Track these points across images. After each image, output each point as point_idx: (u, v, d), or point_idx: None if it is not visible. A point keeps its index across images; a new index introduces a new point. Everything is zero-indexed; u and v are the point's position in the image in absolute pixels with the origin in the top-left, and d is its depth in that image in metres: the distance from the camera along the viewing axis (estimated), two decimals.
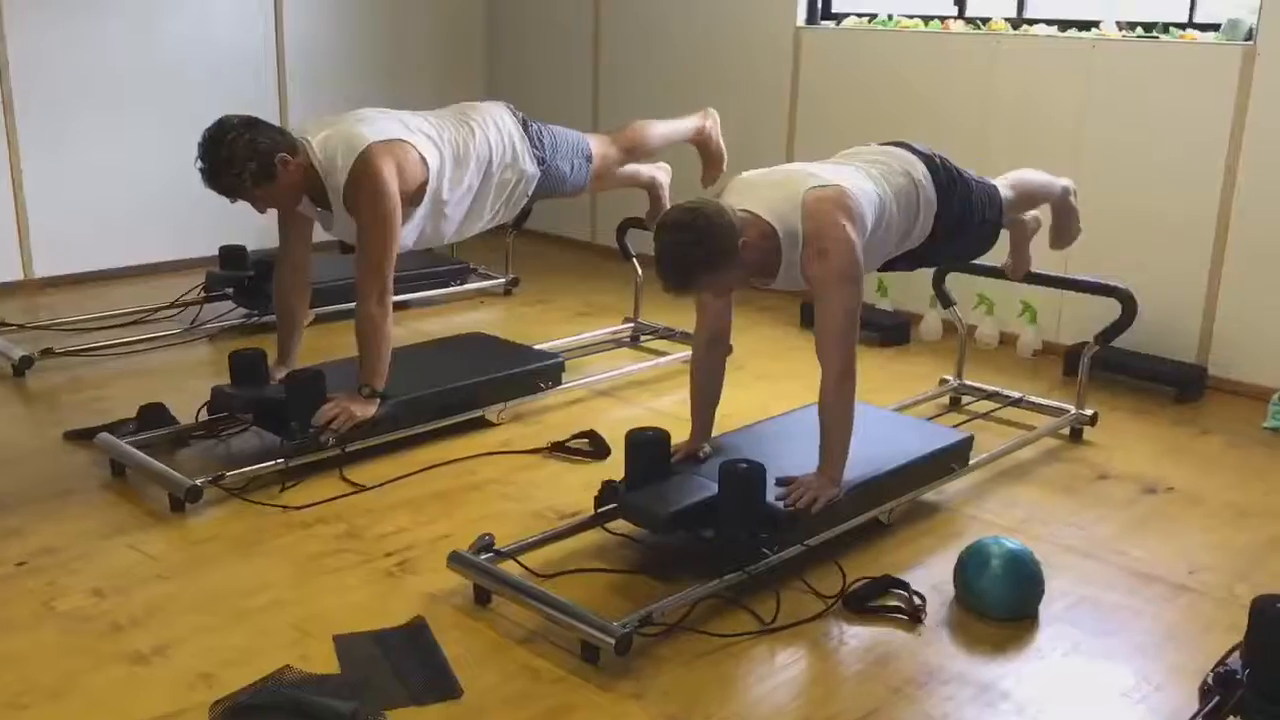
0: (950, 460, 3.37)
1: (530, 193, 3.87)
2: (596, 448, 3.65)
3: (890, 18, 5.26)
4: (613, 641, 2.42)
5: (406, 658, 2.47)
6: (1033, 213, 3.73)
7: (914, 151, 3.23)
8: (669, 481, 2.93)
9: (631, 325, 4.87)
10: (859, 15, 5.38)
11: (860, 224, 2.88)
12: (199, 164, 3.29)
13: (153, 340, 4.64)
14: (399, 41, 6.52)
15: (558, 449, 3.65)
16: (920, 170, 3.17)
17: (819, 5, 5.50)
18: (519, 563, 2.81)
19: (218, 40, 5.82)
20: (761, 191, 2.91)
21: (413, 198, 3.54)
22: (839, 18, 5.45)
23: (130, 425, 3.61)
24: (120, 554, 2.93)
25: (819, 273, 2.82)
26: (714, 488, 2.80)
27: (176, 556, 2.92)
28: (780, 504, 2.82)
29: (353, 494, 3.29)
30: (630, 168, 4.24)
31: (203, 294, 5.02)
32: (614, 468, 3.50)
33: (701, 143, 4.18)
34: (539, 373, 4.03)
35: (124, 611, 2.65)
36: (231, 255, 5.02)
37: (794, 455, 3.05)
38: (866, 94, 5.24)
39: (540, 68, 6.68)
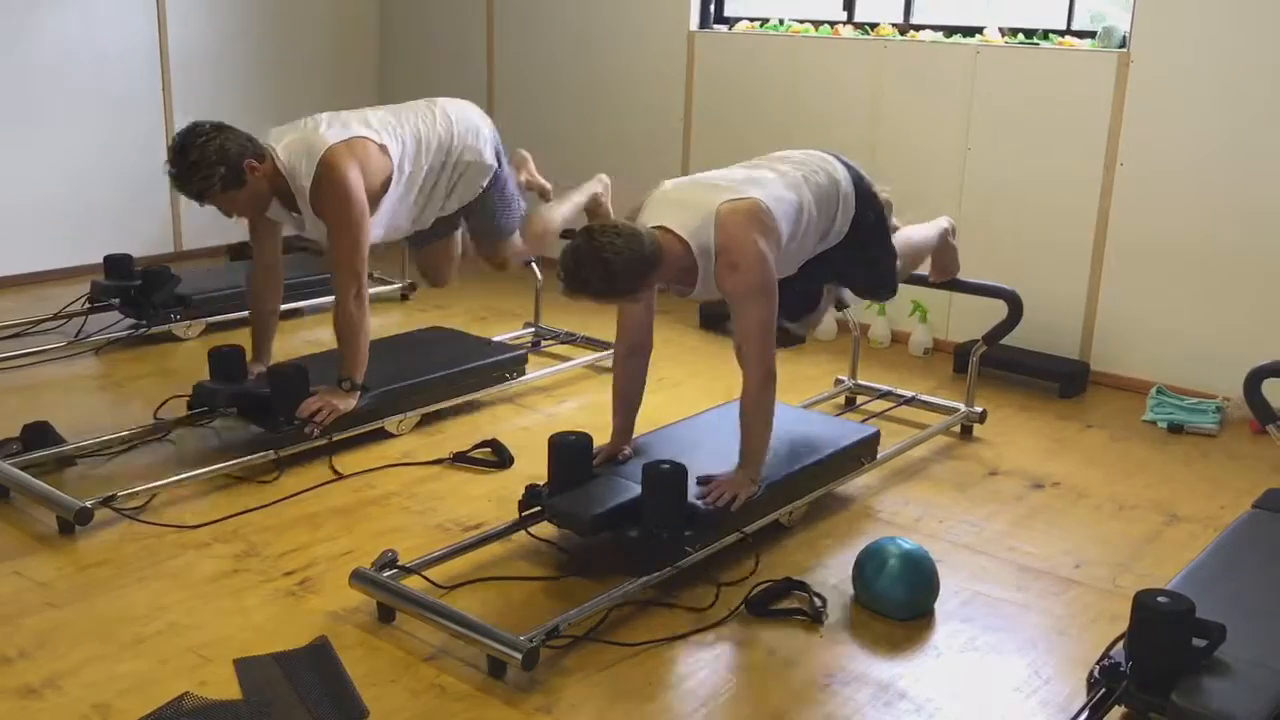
0: (860, 455, 3.48)
1: (484, 186, 3.92)
2: (499, 457, 3.64)
3: (782, 22, 5.34)
4: (519, 656, 2.42)
5: (310, 680, 2.44)
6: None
7: (836, 157, 3.33)
8: (592, 484, 2.99)
9: (532, 330, 4.86)
10: (751, 20, 5.45)
11: (773, 236, 2.95)
12: (168, 169, 3.35)
13: (36, 354, 4.48)
14: (289, 41, 6.39)
15: (460, 459, 3.63)
16: (842, 173, 3.27)
17: (712, 10, 5.56)
18: (424, 577, 2.80)
19: (99, 40, 5.64)
20: (678, 207, 2.95)
21: (380, 190, 3.63)
22: (731, 22, 5.51)
23: (14, 445, 3.48)
24: (6, 582, 2.83)
25: (732, 286, 2.89)
26: (637, 489, 2.87)
27: (67, 583, 2.84)
28: (701, 503, 2.88)
29: (250, 511, 3.24)
30: (569, 203, 4.28)
31: (88, 305, 4.86)
32: (517, 477, 3.50)
33: (591, 209, 4.32)
34: (503, 364, 4.20)
35: (11, 643, 2.57)
36: (117, 264, 4.87)
37: (712, 454, 3.13)
38: (759, 96, 5.31)
39: (435, 69, 6.61)
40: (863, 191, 3.31)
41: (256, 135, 3.49)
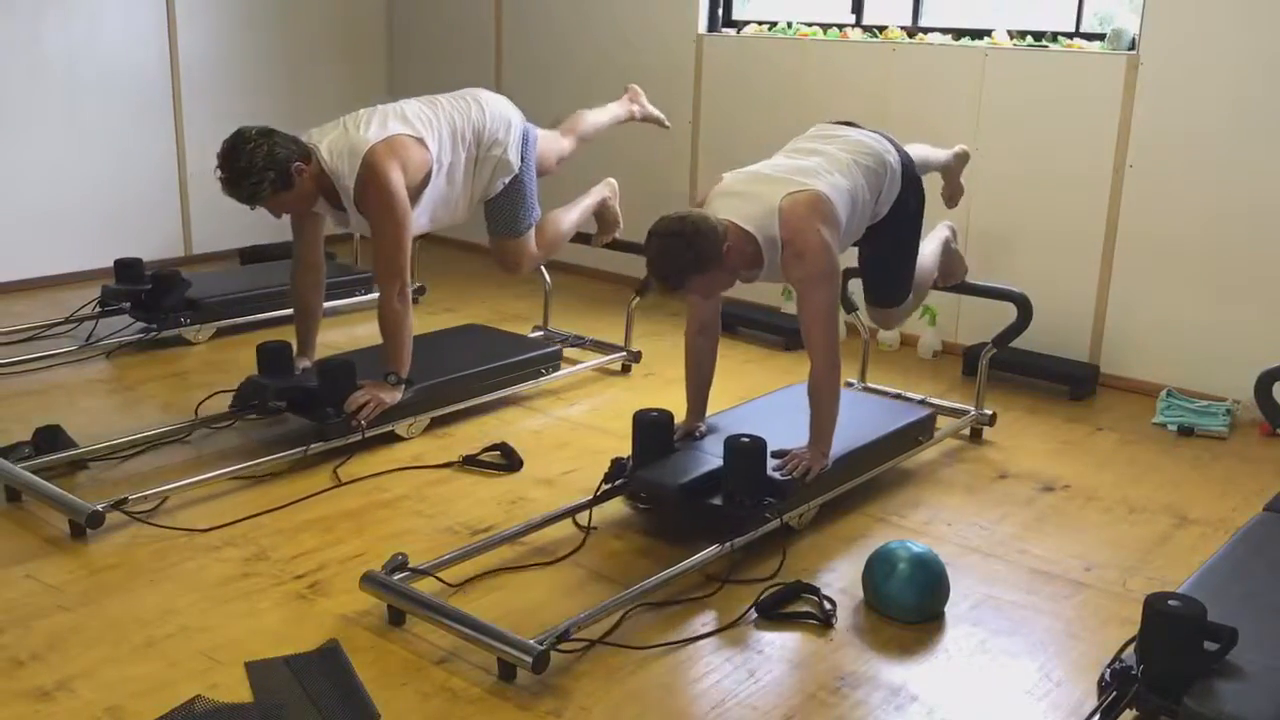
0: (917, 433, 3.67)
1: (504, 183, 3.96)
2: (509, 460, 3.64)
3: (790, 25, 5.34)
4: (530, 659, 2.43)
5: (321, 683, 2.45)
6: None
7: (889, 140, 3.44)
8: (674, 457, 3.20)
9: (541, 334, 4.86)
10: (759, 23, 5.45)
11: (834, 225, 3.10)
12: (218, 173, 3.45)
13: (47, 358, 4.49)
14: (297, 47, 6.42)
15: (469, 462, 3.64)
16: (893, 155, 3.39)
17: (720, 13, 5.56)
18: (436, 578, 2.80)
19: (109, 47, 5.66)
20: (741, 202, 3.09)
21: (421, 185, 3.73)
22: (739, 25, 5.51)
23: (25, 449, 3.49)
24: (18, 585, 2.84)
25: (798, 274, 3.06)
26: (717, 461, 3.08)
27: (78, 586, 2.85)
28: (778, 474, 3.09)
29: (261, 514, 3.24)
30: (578, 208, 4.35)
31: (98, 309, 4.88)
32: (527, 480, 3.52)
33: (600, 213, 4.41)
34: (539, 359, 4.32)
35: (24, 646, 2.58)
36: (127, 268, 4.89)
37: (783, 430, 3.28)
38: (767, 100, 5.31)
39: (442, 73, 6.62)
40: (909, 177, 3.42)
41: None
